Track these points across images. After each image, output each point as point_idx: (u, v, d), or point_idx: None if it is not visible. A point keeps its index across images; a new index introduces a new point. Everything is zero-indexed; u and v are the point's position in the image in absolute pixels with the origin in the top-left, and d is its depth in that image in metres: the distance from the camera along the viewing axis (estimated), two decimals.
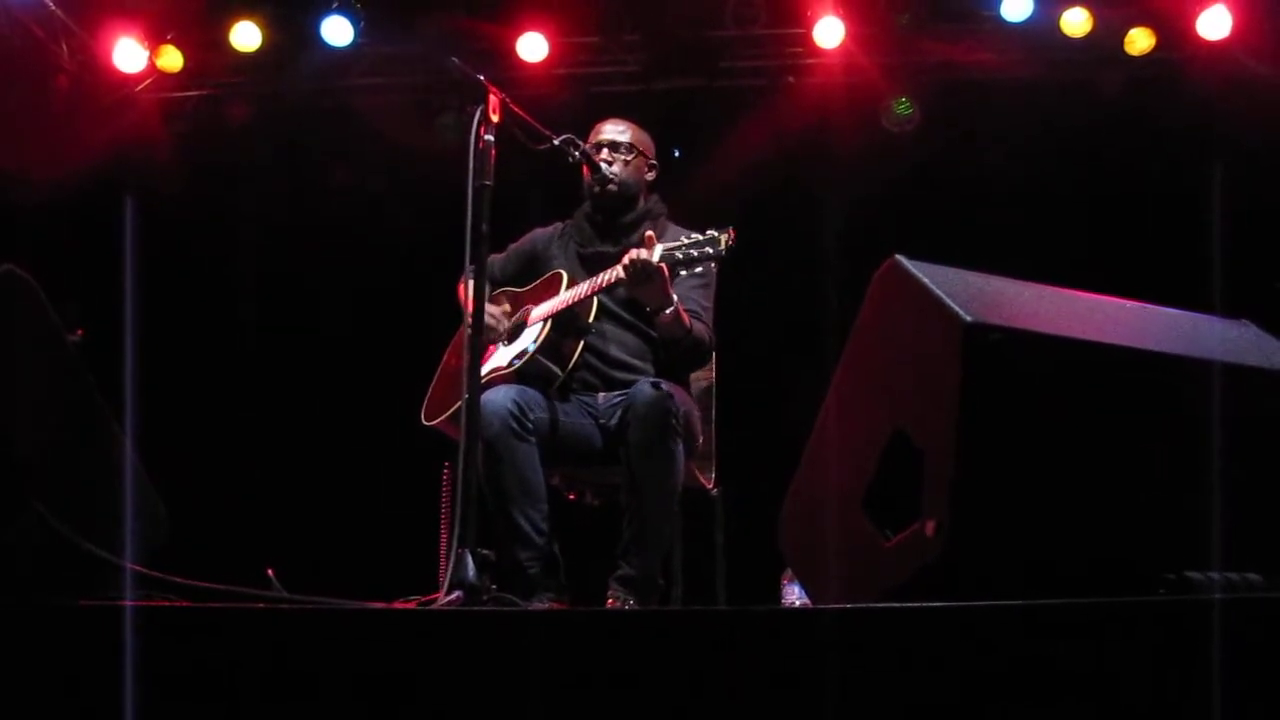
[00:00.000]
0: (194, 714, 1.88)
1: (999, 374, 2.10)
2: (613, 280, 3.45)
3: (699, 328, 3.59)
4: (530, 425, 3.40)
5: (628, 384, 3.53)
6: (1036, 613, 1.85)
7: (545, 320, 3.60)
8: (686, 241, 3.34)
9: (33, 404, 2.31)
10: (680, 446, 3.40)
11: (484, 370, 3.63)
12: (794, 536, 2.59)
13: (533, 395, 3.47)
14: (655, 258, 3.32)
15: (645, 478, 3.37)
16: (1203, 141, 5.20)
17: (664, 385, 3.42)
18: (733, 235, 3.29)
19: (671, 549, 3.57)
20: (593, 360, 3.63)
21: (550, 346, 3.56)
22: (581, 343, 3.60)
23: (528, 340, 3.62)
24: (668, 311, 3.45)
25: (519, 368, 3.56)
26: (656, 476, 3.37)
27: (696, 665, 1.85)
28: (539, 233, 3.97)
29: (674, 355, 3.65)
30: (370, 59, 5.77)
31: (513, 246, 3.98)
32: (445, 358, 3.93)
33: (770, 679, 1.83)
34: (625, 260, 3.36)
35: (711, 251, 3.30)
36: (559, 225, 3.95)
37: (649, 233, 3.42)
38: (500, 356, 3.70)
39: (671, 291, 3.44)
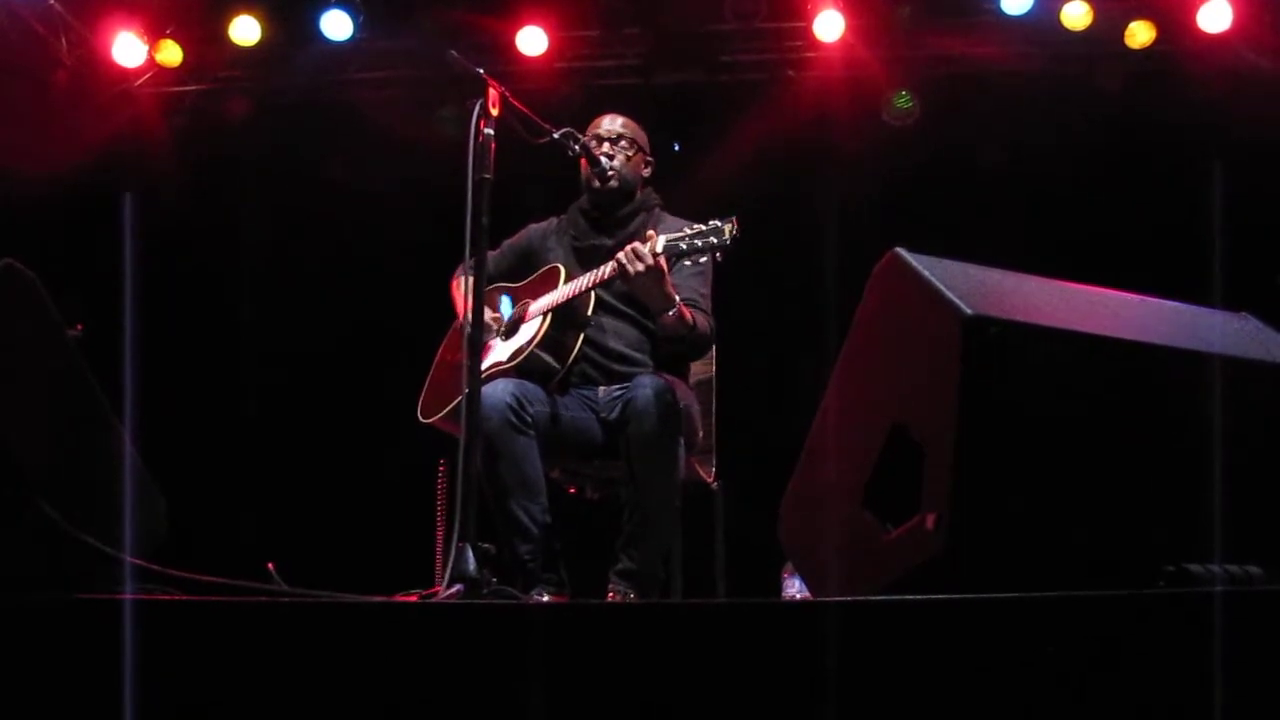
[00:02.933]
0: (194, 707, 1.88)
1: (999, 367, 2.10)
2: (608, 275, 3.43)
3: (700, 321, 3.57)
4: (529, 418, 3.39)
5: (627, 377, 3.53)
6: (1036, 606, 1.85)
7: (544, 315, 3.59)
8: (690, 232, 3.31)
9: (33, 398, 2.31)
10: (681, 440, 3.40)
11: (482, 366, 3.62)
12: (794, 530, 2.59)
13: (531, 389, 3.46)
14: (659, 249, 3.30)
15: (646, 472, 3.37)
16: (1203, 134, 5.19)
17: (665, 379, 3.41)
18: (736, 225, 3.26)
19: (672, 543, 3.57)
20: (591, 353, 3.63)
21: (550, 341, 3.55)
22: (581, 336, 3.59)
23: (527, 335, 3.62)
24: (670, 313, 3.43)
25: (519, 364, 3.56)
26: (657, 471, 3.36)
27: (697, 658, 1.85)
28: (534, 228, 3.96)
29: (676, 350, 3.65)
30: (370, 53, 5.75)
31: (508, 243, 3.97)
32: (439, 354, 3.92)
33: (770, 672, 1.83)
34: (620, 254, 3.34)
35: (716, 241, 3.27)
36: (554, 220, 3.94)
37: (650, 231, 3.40)
38: (499, 352, 3.70)
39: (673, 292, 3.42)
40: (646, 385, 3.38)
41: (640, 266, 3.30)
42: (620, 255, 3.34)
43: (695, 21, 5.58)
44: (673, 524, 3.50)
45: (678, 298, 3.43)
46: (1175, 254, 4.73)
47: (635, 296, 3.51)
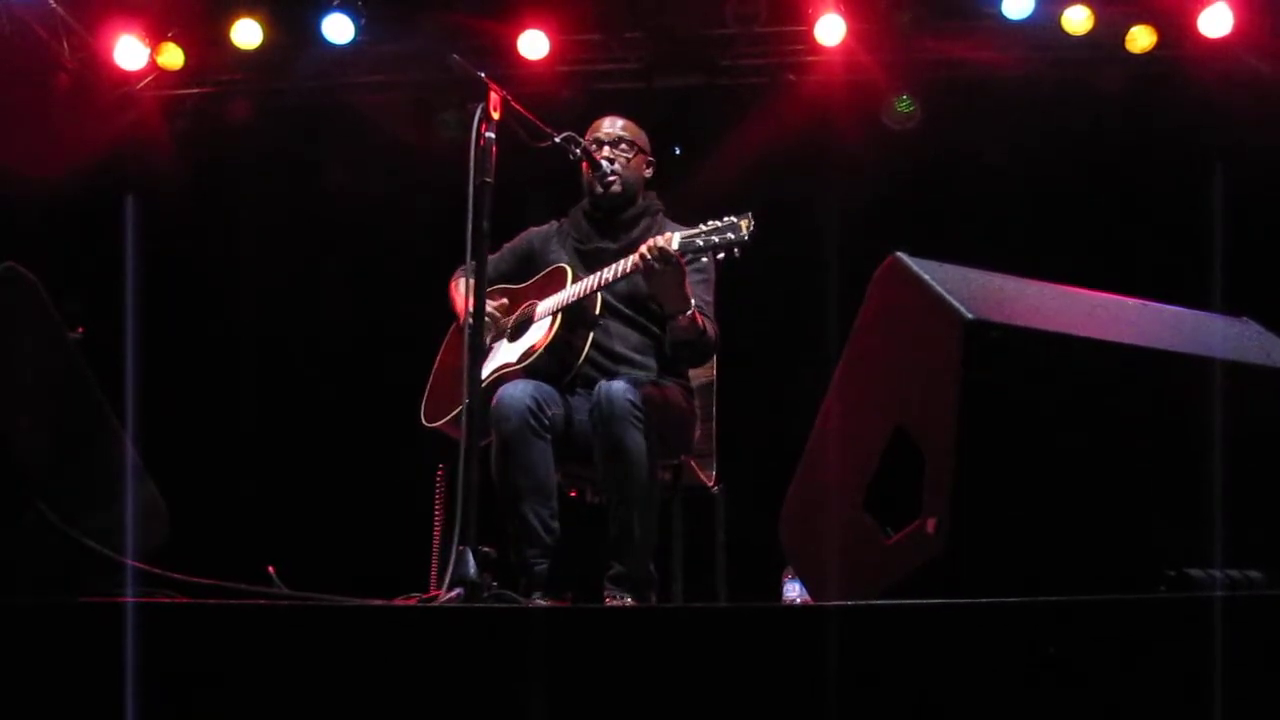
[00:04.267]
0: (194, 710, 1.88)
1: (999, 371, 2.10)
2: (629, 270, 3.38)
3: (709, 327, 3.55)
4: (547, 421, 3.37)
5: None
6: (1037, 610, 1.85)
7: (554, 314, 3.56)
8: (706, 228, 3.26)
9: (34, 401, 2.31)
10: (642, 439, 3.32)
11: (491, 367, 3.61)
12: (795, 533, 2.59)
13: (548, 391, 3.43)
14: (675, 246, 3.26)
15: (614, 476, 3.33)
16: (1204, 139, 5.20)
17: (624, 381, 3.37)
18: (753, 221, 3.20)
19: (670, 544, 3.56)
20: (597, 356, 3.60)
21: (560, 341, 3.53)
22: (590, 336, 3.56)
23: (536, 336, 3.60)
24: (685, 315, 3.41)
25: (530, 364, 3.54)
26: (623, 473, 3.31)
27: (697, 662, 1.85)
28: (534, 231, 3.94)
29: (682, 355, 3.63)
30: (371, 57, 5.76)
31: (507, 246, 3.94)
32: (440, 356, 3.90)
33: (770, 676, 1.83)
34: (643, 248, 3.31)
35: (733, 237, 3.21)
36: (555, 223, 3.93)
37: (667, 234, 3.37)
38: (508, 353, 3.68)
39: (690, 294, 3.40)
40: (604, 389, 3.34)
41: (664, 264, 3.27)
42: (644, 251, 3.29)
43: (696, 25, 5.59)
44: (653, 525, 3.43)
45: (693, 301, 3.42)
46: (1176, 257, 4.74)
47: (653, 296, 3.47)
